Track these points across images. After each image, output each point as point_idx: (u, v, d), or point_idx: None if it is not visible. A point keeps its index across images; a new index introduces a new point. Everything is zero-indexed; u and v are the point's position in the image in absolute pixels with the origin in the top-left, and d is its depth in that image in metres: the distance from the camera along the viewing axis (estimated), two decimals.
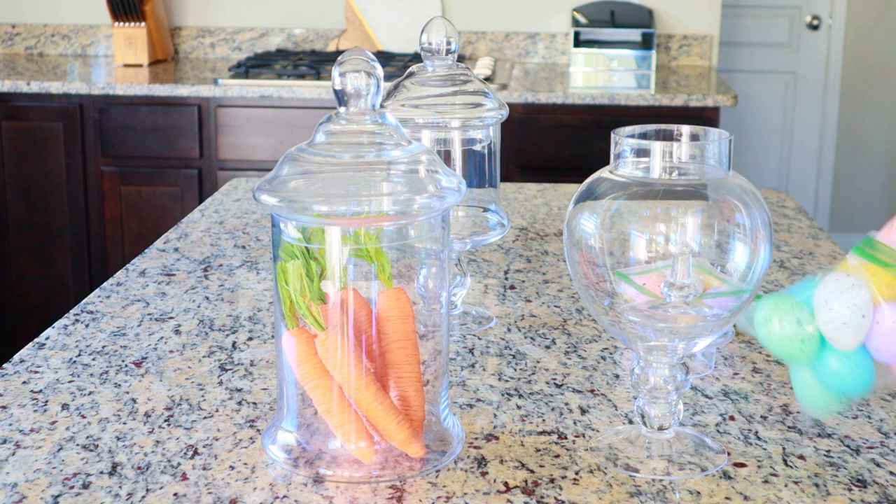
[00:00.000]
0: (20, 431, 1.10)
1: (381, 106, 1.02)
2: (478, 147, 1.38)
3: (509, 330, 1.40)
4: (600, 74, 3.69)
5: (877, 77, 4.92)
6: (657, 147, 1.01)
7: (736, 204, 1.00)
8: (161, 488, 0.99)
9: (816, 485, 1.01)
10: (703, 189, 1.01)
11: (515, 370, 1.27)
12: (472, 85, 1.36)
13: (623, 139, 1.02)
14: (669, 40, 3.89)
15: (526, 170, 3.31)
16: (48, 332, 1.37)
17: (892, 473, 1.03)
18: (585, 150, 3.28)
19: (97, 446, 1.07)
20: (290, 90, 3.31)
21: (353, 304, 1.00)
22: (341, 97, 1.00)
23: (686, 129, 1.04)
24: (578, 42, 3.73)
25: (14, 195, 3.43)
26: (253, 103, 3.33)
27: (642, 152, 1.02)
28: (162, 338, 1.36)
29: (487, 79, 3.38)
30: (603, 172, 1.04)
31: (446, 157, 1.36)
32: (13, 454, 1.05)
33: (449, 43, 1.35)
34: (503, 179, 2.91)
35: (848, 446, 1.09)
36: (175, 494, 0.98)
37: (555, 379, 1.24)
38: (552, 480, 1.01)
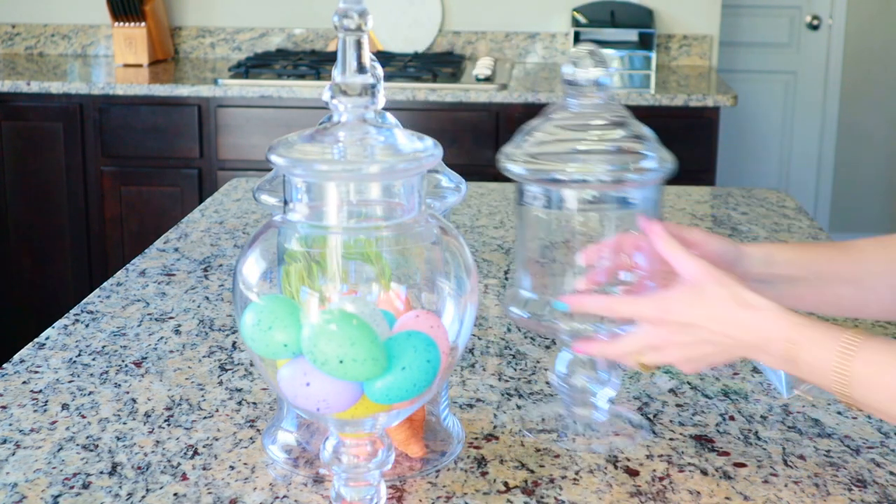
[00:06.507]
0: (20, 431, 1.10)
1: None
2: None
3: (509, 330, 1.40)
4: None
5: (877, 77, 4.92)
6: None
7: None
8: (161, 488, 0.99)
9: (816, 485, 1.01)
10: None
11: (515, 370, 1.27)
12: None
13: None
14: (669, 40, 3.89)
15: None
16: (48, 332, 1.37)
17: (892, 473, 1.03)
18: None
19: (97, 446, 1.07)
20: (290, 90, 3.30)
21: None
22: None
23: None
24: (578, 42, 3.72)
25: (14, 195, 3.43)
26: (253, 103, 3.33)
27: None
28: (162, 338, 1.36)
29: (487, 79, 3.38)
30: None
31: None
32: (13, 454, 1.05)
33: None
34: (501, 179, 2.91)
35: (848, 446, 1.09)
36: (175, 494, 0.98)
37: None
38: (552, 480, 1.01)
